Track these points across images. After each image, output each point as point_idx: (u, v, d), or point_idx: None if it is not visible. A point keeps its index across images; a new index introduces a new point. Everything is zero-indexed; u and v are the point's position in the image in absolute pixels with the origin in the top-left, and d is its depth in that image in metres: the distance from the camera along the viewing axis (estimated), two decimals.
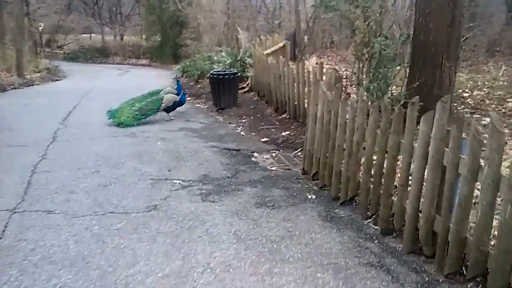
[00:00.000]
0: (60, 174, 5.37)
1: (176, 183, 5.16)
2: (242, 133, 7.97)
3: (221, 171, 5.66)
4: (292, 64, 9.01)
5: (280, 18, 20.86)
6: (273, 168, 5.95)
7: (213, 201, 4.62)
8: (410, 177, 3.73)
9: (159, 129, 8.03)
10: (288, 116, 8.48)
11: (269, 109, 9.39)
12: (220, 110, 10.00)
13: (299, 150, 6.73)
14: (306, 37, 17.24)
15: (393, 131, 3.85)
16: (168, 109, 8.76)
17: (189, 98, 11.72)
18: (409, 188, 3.72)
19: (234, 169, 5.76)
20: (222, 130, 8.07)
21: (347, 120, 4.59)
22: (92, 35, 36.76)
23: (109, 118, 8.27)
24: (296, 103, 8.09)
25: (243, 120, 8.94)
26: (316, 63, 11.25)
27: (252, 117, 9.09)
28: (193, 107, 10.64)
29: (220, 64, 12.15)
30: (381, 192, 4.02)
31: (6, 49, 19.53)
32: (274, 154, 6.67)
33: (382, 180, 4.04)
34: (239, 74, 10.24)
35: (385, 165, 4.01)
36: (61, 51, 31.54)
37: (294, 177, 5.51)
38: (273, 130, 8.00)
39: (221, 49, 16.16)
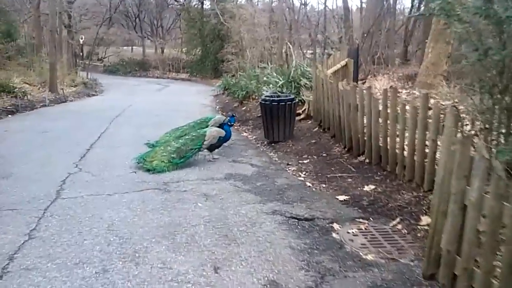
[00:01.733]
0: (45, 279, 3.22)
1: None
2: (307, 183, 5.72)
3: (296, 273, 3.42)
4: (377, 92, 6.73)
5: (336, 33, 18.51)
6: (370, 257, 3.72)
7: None
8: None
9: (199, 176, 5.86)
10: (367, 161, 6.17)
11: (337, 146, 7.08)
12: (272, 144, 7.79)
13: (398, 221, 4.47)
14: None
15: None
16: (211, 147, 6.58)
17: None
18: None
19: (315, 267, 3.51)
20: (282, 179, 5.84)
21: None
22: (133, 47, 35.35)
23: (138, 163, 6.18)
24: (381, 145, 5.80)
25: (305, 161, 6.69)
26: (391, 87, 8.92)
27: (316, 157, 6.83)
28: (239, 138, 8.46)
29: (271, 86, 9.94)
30: None
31: (42, 62, 17.95)
32: (363, 227, 4.41)
33: None
34: (296, 100, 8.00)
35: None
36: (101, 64, 30.07)
37: (416, 287, 3.25)
38: (349, 180, 5.72)
39: (265, 66, 14.05)
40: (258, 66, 14.20)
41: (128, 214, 4.45)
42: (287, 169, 6.38)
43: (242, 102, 11.86)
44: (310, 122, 8.70)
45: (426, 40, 11.13)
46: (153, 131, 8.69)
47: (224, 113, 12.00)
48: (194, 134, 6.50)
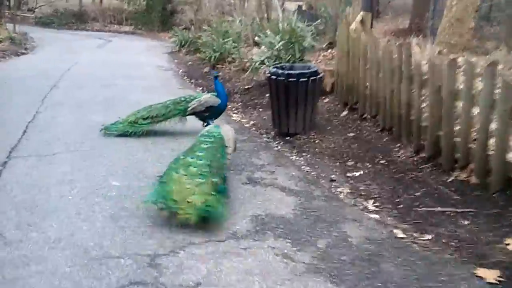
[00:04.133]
0: None
1: None
2: (396, 232, 3.10)
3: None
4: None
5: None
6: None
7: None
8: None
9: (205, 229, 3.04)
10: (474, 181, 3.58)
11: (398, 147, 4.43)
12: (287, 137, 5.07)
13: None
14: None
15: None
16: None
17: None
18: None
19: None
20: (350, 224, 3.13)
21: None
22: None
23: (161, 208, 2.96)
24: None
25: (357, 174, 4.05)
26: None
27: (370, 166, 4.19)
28: (232, 124, 5.53)
29: (263, 48, 7.04)
30: None
31: None
32: None
33: None
34: (322, 74, 5.19)
35: None
36: (32, 15, 25.14)
37: None
38: (465, 223, 3.13)
39: (233, 19, 11.07)
40: (225, 21, 11.08)
41: None
42: (338, 194, 3.72)
43: (215, 66, 8.86)
44: (327, 100, 5.99)
45: None
46: (107, 113, 5.71)
47: (192, 81, 9.00)
48: (209, 140, 3.52)
